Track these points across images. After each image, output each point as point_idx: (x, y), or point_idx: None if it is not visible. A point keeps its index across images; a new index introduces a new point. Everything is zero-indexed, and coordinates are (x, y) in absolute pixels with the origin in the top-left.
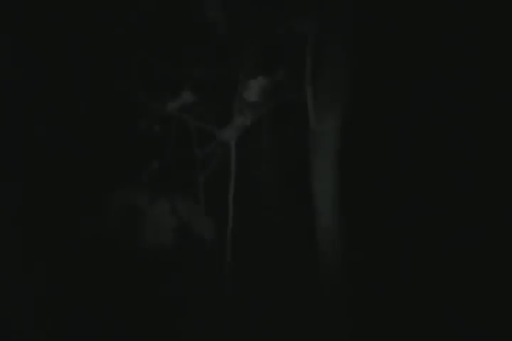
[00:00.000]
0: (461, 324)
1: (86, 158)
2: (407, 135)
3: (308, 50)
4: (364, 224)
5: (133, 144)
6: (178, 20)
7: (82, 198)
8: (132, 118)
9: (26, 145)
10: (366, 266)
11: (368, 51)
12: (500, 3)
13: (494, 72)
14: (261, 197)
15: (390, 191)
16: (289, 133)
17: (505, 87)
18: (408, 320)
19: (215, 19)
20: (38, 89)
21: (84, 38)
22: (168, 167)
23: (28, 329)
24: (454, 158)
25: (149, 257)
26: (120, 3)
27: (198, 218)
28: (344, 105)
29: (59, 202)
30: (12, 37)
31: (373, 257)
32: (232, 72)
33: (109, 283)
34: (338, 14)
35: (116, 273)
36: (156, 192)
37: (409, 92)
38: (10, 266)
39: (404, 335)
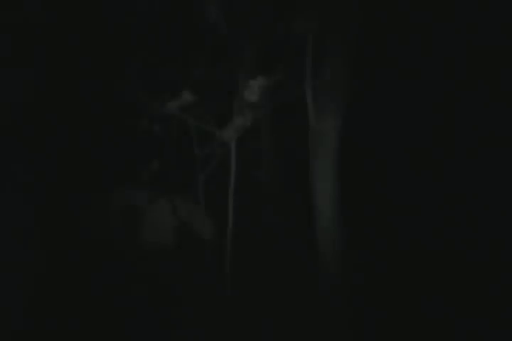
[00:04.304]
0: (460, 324)
1: (86, 158)
2: (406, 135)
3: (308, 50)
4: (364, 224)
5: (133, 144)
6: (178, 20)
7: (82, 198)
8: (132, 118)
9: (26, 145)
10: (366, 266)
11: (368, 51)
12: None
13: (494, 73)
14: (261, 197)
15: (390, 191)
16: (289, 133)
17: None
18: (407, 320)
19: (215, 19)
20: (38, 89)
21: (84, 38)
22: (168, 167)
23: (28, 328)
24: (453, 157)
25: (149, 257)
26: (120, 3)
27: (198, 218)
28: (344, 105)
29: (59, 202)
30: (12, 36)
31: (373, 257)
32: (232, 72)
33: (109, 282)
34: (338, 14)
35: (116, 272)
36: (156, 192)
37: (409, 92)
38: (10, 265)
39: (403, 335)
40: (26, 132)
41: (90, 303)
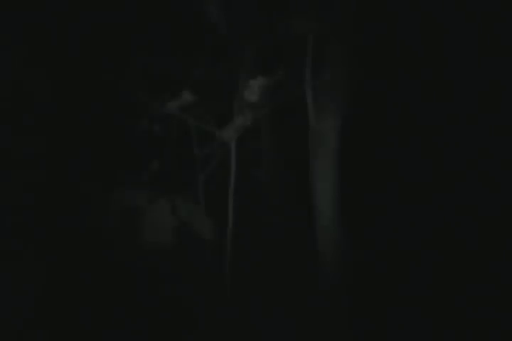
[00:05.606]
0: (460, 324)
1: (86, 158)
2: (406, 135)
3: (308, 50)
4: (364, 224)
5: (133, 144)
6: (178, 20)
7: (82, 198)
8: (132, 118)
9: (26, 145)
10: (366, 266)
11: (368, 51)
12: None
13: (494, 74)
14: (261, 197)
15: (390, 191)
16: (289, 133)
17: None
18: (408, 320)
19: (215, 19)
20: (38, 89)
21: (84, 38)
22: (168, 167)
23: (28, 329)
24: (453, 158)
25: (149, 257)
26: (120, 3)
27: (198, 218)
28: (344, 105)
29: (59, 202)
30: (12, 35)
31: (373, 257)
32: (232, 71)
33: (109, 282)
34: (338, 14)
35: (116, 272)
36: (156, 192)
37: (409, 92)
38: (10, 266)
39: (403, 334)
40: (26, 131)
41: (89, 303)
